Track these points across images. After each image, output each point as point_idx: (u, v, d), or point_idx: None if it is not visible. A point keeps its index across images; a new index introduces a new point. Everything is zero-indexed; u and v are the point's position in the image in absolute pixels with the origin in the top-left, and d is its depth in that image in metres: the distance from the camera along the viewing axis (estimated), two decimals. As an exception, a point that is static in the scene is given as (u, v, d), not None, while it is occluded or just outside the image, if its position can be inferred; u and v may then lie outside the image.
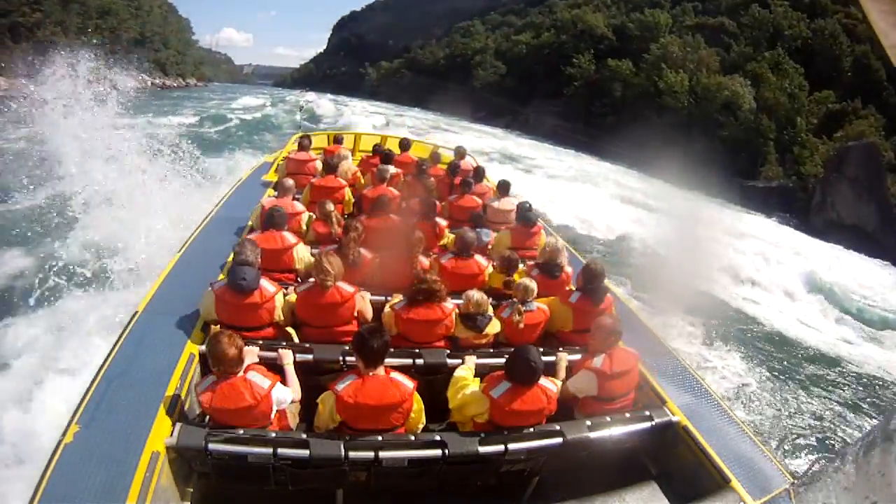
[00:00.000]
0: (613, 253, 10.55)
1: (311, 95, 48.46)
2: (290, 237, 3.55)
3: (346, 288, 2.96)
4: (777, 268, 10.86)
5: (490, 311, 3.10)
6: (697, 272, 9.52)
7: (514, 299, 3.21)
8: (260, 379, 2.28)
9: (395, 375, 2.37)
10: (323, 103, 37.26)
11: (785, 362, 7.03)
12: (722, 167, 23.82)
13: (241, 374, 2.25)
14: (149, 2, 58.76)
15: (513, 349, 2.61)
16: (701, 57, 29.27)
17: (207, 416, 2.38)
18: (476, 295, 3.03)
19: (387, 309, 3.10)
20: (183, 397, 2.48)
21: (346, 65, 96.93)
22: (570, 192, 16.07)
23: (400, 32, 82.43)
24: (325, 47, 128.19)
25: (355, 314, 3.04)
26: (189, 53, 69.70)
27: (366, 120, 27.67)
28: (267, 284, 2.89)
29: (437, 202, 4.54)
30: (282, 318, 2.98)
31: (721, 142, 25.78)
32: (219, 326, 2.78)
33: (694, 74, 28.60)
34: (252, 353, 2.49)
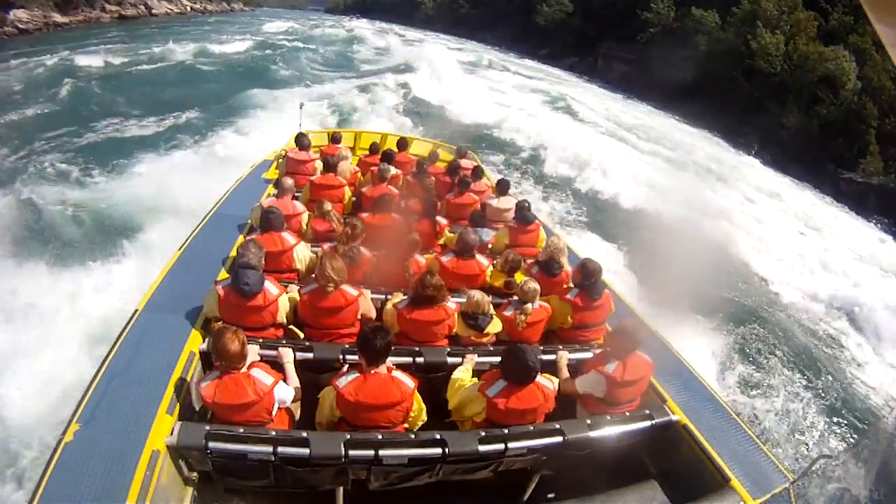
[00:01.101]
0: (673, 235, 9.97)
1: (361, 22, 47.29)
2: (289, 238, 3.74)
3: (351, 291, 3.10)
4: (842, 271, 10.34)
5: (491, 309, 3.28)
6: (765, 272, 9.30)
7: (516, 298, 3.41)
8: (263, 376, 2.43)
9: (397, 374, 2.51)
10: (368, 35, 36.29)
11: (793, 364, 7.17)
12: (816, 149, 21.94)
13: (244, 370, 2.40)
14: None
15: (505, 348, 2.81)
16: (798, 19, 26.24)
17: (209, 414, 2.54)
18: (476, 295, 3.25)
19: (389, 307, 3.30)
20: (183, 395, 2.63)
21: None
22: (643, 155, 15.53)
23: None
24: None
25: (359, 317, 3.19)
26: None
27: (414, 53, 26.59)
28: (271, 287, 3.03)
29: (437, 201, 4.73)
30: (285, 320, 3.15)
31: (818, 120, 23.58)
32: (221, 323, 2.97)
33: (791, 38, 25.84)
34: (252, 352, 2.63)
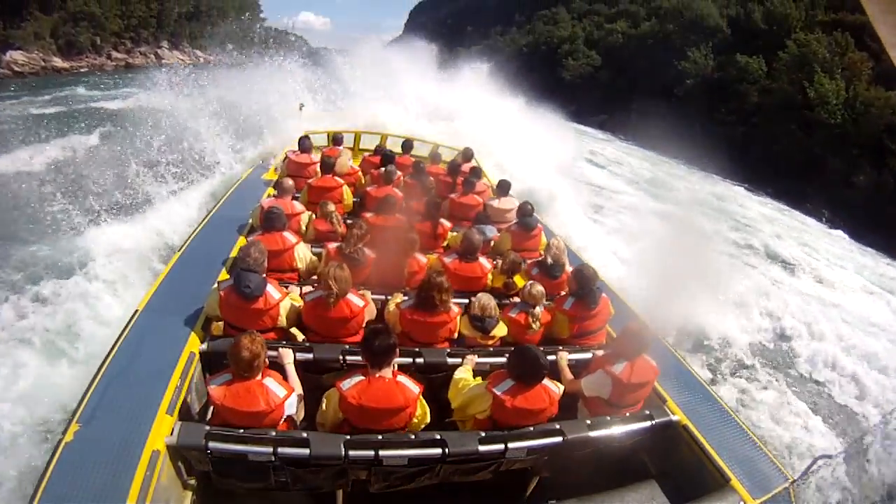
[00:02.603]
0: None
1: None
2: (290, 237, 4.22)
3: (356, 302, 3.43)
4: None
5: (497, 312, 3.68)
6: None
7: (519, 299, 3.83)
8: (277, 387, 2.66)
9: (402, 379, 2.76)
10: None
11: (791, 364, 7.46)
12: (891, 210, 21.33)
13: (258, 377, 2.64)
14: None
15: (513, 347, 3.12)
16: (853, 61, 26.22)
17: (209, 415, 2.81)
18: (484, 298, 3.66)
19: (391, 307, 3.68)
20: (183, 396, 2.90)
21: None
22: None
23: (479, 18, 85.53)
24: (401, 32, 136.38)
25: (364, 325, 3.51)
26: (253, 31, 75.46)
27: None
28: (272, 290, 3.38)
29: (439, 202, 5.29)
30: (286, 323, 3.48)
31: (892, 175, 23.49)
32: (222, 324, 3.41)
33: (851, 83, 25.75)
34: None
